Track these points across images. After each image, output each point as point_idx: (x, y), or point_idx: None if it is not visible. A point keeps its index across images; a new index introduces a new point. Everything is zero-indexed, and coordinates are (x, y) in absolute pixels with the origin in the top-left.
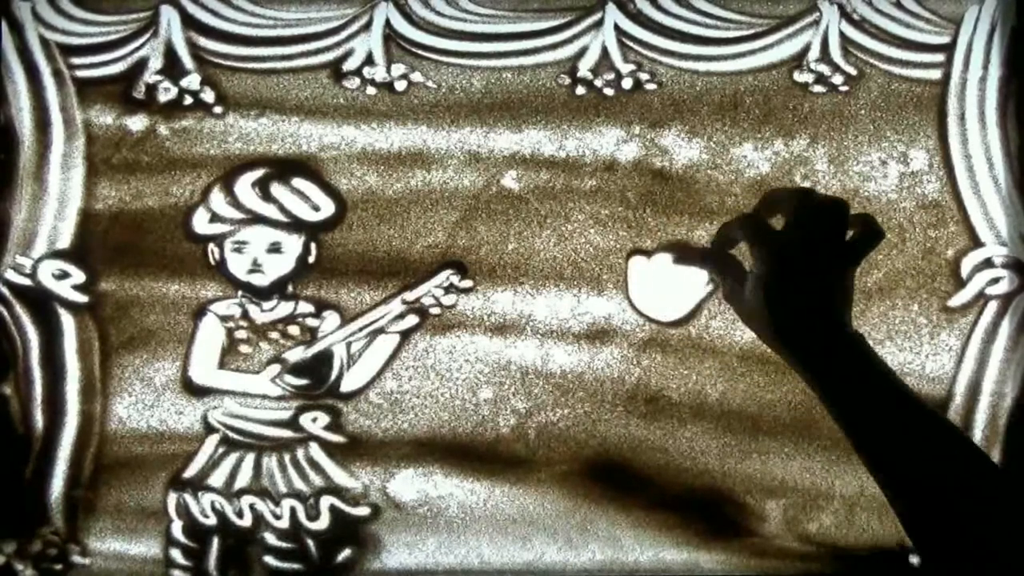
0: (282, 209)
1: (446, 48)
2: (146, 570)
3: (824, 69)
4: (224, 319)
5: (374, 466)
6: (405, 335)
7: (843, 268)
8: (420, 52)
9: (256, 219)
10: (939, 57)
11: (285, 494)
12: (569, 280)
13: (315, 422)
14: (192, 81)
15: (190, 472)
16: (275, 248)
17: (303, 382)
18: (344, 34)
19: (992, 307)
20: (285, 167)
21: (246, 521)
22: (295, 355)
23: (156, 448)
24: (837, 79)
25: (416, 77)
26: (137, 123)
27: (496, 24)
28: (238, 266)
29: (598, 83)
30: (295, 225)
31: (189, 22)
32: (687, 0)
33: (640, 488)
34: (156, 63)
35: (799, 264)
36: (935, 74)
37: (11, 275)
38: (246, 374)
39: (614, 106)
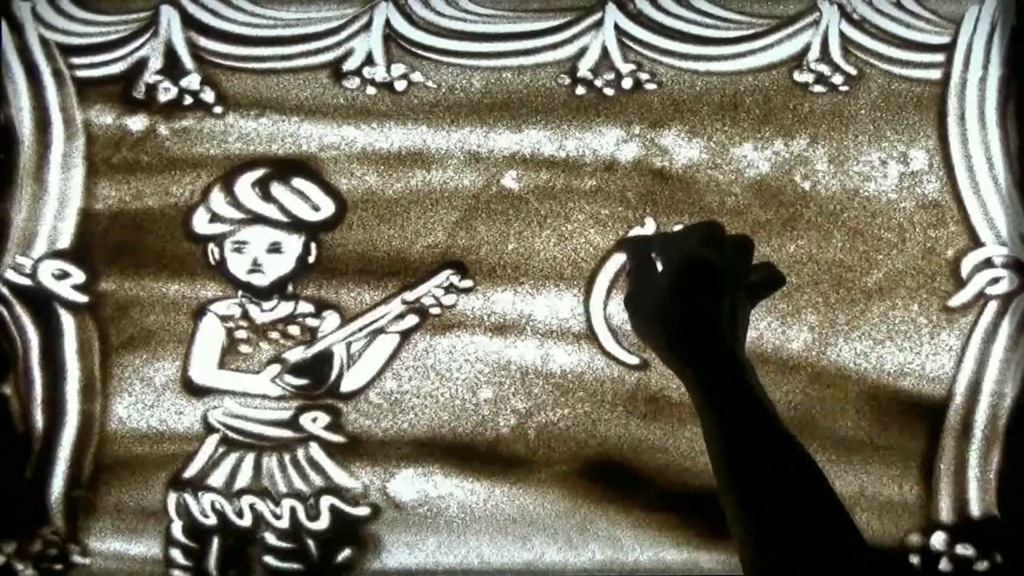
0: (282, 209)
1: (446, 48)
2: (146, 570)
3: (824, 69)
4: (224, 319)
5: (374, 466)
6: (405, 335)
7: (742, 300)
8: (420, 52)
9: (256, 219)
10: (939, 57)
11: (285, 494)
12: (569, 280)
13: (315, 422)
14: (192, 81)
15: (190, 472)
16: (275, 248)
17: (303, 382)
18: (344, 34)
19: (992, 307)
20: (285, 167)
21: (246, 521)
22: (295, 355)
23: (156, 448)
24: (837, 79)
25: (416, 77)
26: (137, 123)
27: (496, 24)
28: (238, 266)
29: (598, 83)
30: (295, 225)
31: (189, 22)
32: (687, 0)
33: (640, 488)
34: (156, 63)
35: (699, 283)
36: (935, 74)
37: (11, 275)
38: (246, 374)
39: (614, 106)
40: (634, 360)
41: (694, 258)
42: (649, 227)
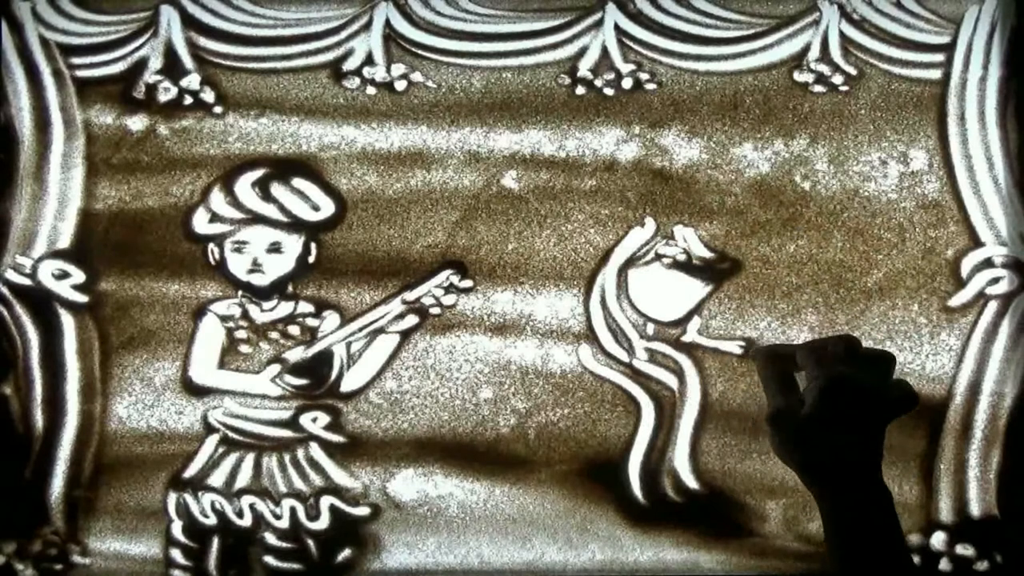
0: (282, 209)
1: (446, 48)
2: (146, 570)
3: (824, 69)
4: (224, 319)
5: (374, 466)
6: (405, 335)
7: (880, 419)
8: (420, 52)
9: (256, 219)
10: (939, 57)
11: (285, 494)
12: (569, 280)
13: (315, 422)
14: (192, 81)
15: (190, 472)
16: (275, 248)
17: (303, 382)
18: (344, 34)
19: (992, 307)
20: (285, 167)
21: (246, 521)
22: (295, 355)
23: (156, 448)
24: (837, 79)
25: (416, 77)
26: (137, 123)
27: (496, 24)
28: (238, 266)
29: (598, 83)
30: (295, 225)
31: (189, 22)
32: (687, 0)
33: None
34: (156, 63)
35: (842, 409)
36: (935, 74)
37: (11, 275)
38: (246, 374)
39: (614, 106)
40: (633, 360)
41: (837, 380)
42: (649, 227)
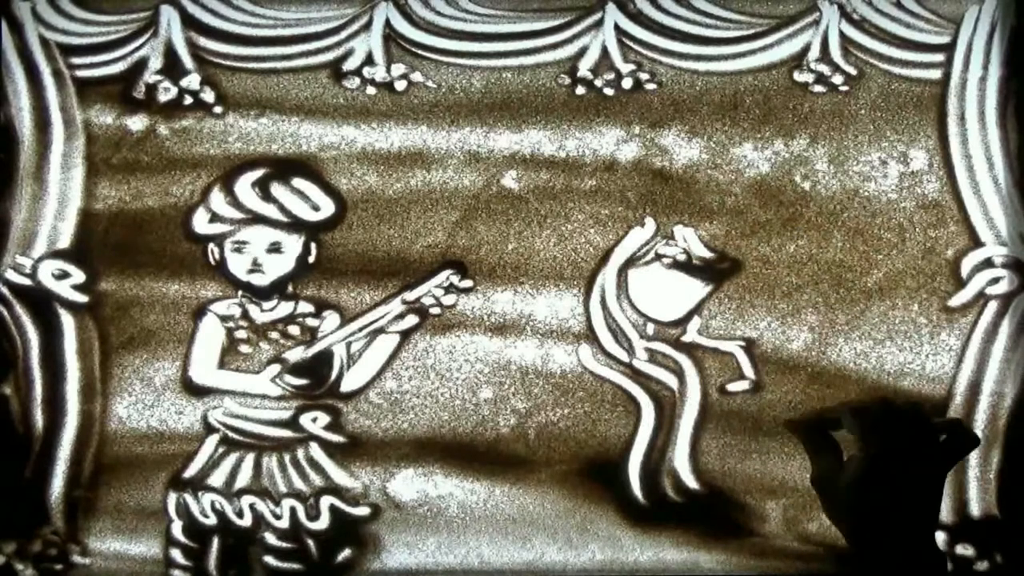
0: (282, 209)
1: (446, 48)
2: (146, 570)
3: (824, 69)
4: (224, 319)
5: (374, 466)
6: (405, 335)
7: (934, 479)
8: (420, 52)
9: (256, 219)
10: (939, 57)
11: (285, 494)
12: (569, 280)
13: (315, 422)
14: (192, 81)
15: (190, 472)
16: (275, 248)
17: (303, 382)
18: (344, 34)
19: (992, 307)
20: (285, 167)
21: (246, 521)
22: (295, 355)
23: (156, 448)
24: (837, 79)
25: (416, 77)
26: (137, 123)
27: (496, 24)
28: (238, 266)
29: (598, 83)
30: (295, 225)
31: (189, 22)
32: (687, 0)
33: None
34: (156, 63)
35: (897, 477)
36: (935, 74)
37: (11, 275)
38: (246, 374)
39: (614, 106)
40: (633, 360)
41: (880, 452)
42: (649, 227)
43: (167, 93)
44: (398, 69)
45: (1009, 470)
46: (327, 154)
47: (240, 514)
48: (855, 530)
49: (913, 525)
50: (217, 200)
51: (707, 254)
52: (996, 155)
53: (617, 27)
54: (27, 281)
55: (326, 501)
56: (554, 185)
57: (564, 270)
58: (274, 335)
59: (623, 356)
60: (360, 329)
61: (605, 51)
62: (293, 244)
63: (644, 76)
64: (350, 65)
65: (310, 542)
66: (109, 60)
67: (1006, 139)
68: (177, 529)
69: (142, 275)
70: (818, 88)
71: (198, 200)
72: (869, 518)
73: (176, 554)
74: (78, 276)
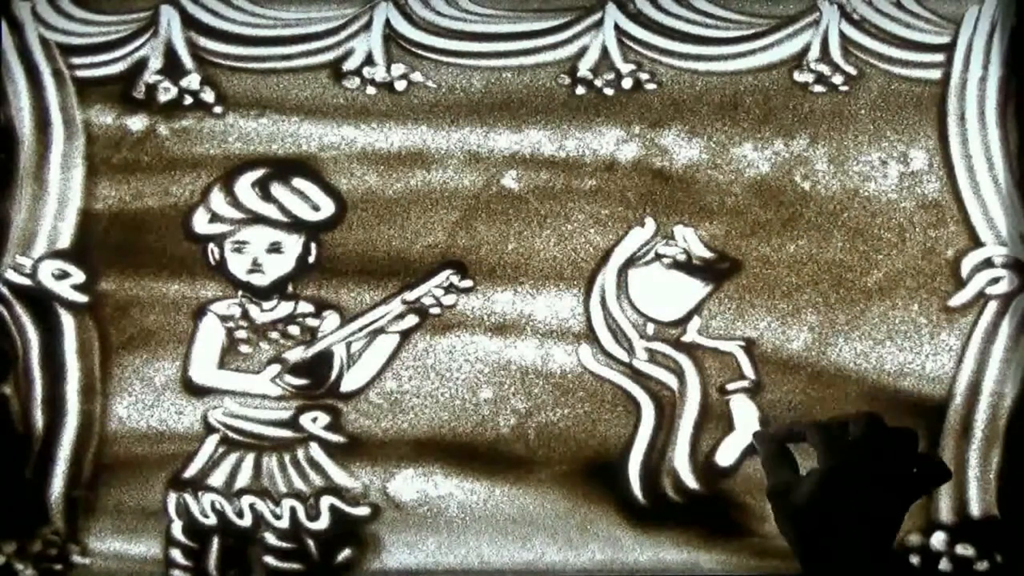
0: (282, 209)
1: (446, 48)
2: (146, 570)
3: (824, 69)
4: (224, 319)
5: (374, 466)
6: (405, 335)
7: (901, 503)
8: (420, 52)
9: (256, 219)
10: (939, 57)
11: (285, 494)
12: (569, 280)
13: (315, 422)
14: (192, 81)
15: (190, 472)
16: (275, 248)
17: (303, 382)
18: (344, 34)
19: (992, 307)
20: (285, 167)
21: (246, 521)
22: (295, 355)
23: (156, 448)
24: (837, 79)
25: (416, 77)
26: (137, 123)
27: (496, 24)
28: (238, 266)
29: (598, 83)
30: (295, 225)
31: (189, 22)
32: (687, 0)
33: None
34: (156, 63)
35: (860, 489)
36: (935, 74)
37: (11, 275)
38: (246, 374)
39: (614, 106)
40: (633, 360)
41: (837, 470)
42: (649, 227)
43: (167, 93)
44: (398, 69)
45: (1009, 470)
46: (327, 154)
47: (240, 514)
48: (801, 546)
49: (860, 547)
50: (217, 200)
51: (707, 254)
52: (996, 155)
53: (617, 27)
54: (27, 281)
55: (326, 501)
56: (554, 185)
57: (564, 270)
58: (274, 335)
59: (623, 356)
60: (360, 329)
61: (605, 51)
62: (293, 244)
63: (644, 76)
64: (350, 65)
65: (310, 542)
66: (109, 60)
67: (1006, 139)
68: (177, 529)
69: (142, 275)
70: (818, 88)
71: (198, 200)
72: (814, 536)
73: (176, 554)
74: (78, 276)
